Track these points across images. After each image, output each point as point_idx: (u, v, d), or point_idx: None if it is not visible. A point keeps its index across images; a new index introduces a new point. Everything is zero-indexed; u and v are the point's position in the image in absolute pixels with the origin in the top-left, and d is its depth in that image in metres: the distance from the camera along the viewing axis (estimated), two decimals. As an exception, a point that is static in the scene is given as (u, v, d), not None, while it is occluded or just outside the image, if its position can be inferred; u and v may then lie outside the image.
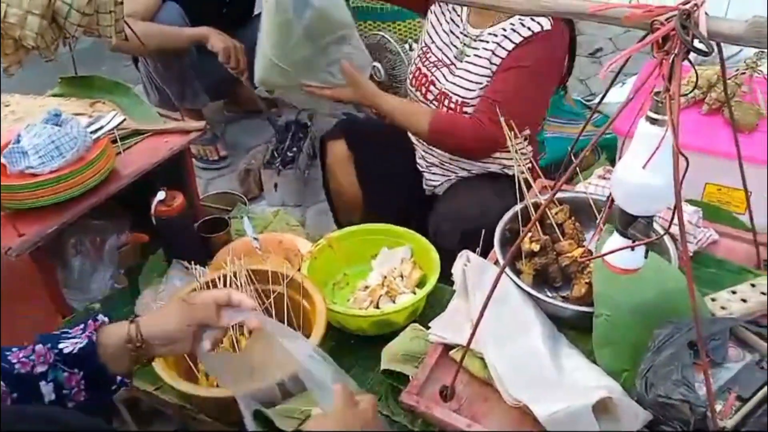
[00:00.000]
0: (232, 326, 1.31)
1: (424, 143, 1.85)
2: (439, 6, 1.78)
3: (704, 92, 2.02)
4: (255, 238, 1.70)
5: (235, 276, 1.48)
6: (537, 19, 1.58)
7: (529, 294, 1.11)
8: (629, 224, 0.90)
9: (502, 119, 1.46)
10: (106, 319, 0.99)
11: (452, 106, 1.72)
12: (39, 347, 0.92)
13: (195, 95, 2.54)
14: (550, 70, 1.64)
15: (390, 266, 1.68)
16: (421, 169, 1.93)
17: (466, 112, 1.69)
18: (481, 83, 1.66)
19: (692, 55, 0.76)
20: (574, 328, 1.11)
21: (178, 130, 1.74)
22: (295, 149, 2.54)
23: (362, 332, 1.57)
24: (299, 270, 1.54)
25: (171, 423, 1.47)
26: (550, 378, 0.99)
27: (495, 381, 1.01)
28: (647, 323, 1.01)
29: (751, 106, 1.91)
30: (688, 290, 1.07)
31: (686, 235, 1.20)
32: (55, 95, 1.86)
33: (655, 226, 1.02)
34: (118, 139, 1.66)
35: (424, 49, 1.80)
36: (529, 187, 1.27)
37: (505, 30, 1.62)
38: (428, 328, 1.12)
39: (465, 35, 1.71)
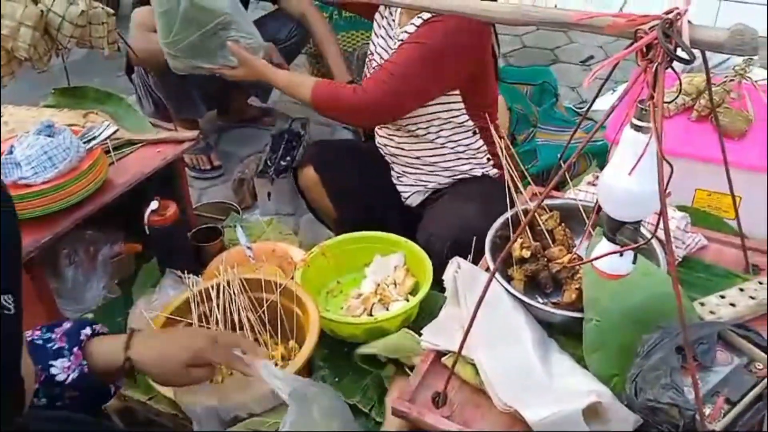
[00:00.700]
0: None
1: (392, 154, 1.89)
2: (379, 12, 1.81)
3: (694, 99, 2.04)
4: (248, 247, 1.71)
5: (228, 285, 1.49)
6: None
7: (519, 300, 1.12)
8: (617, 230, 0.91)
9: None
10: (89, 332, 0.97)
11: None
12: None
13: (194, 106, 2.55)
14: (446, 50, 1.62)
15: (383, 274, 1.69)
16: (393, 180, 1.95)
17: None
18: None
19: (681, 63, 0.77)
20: (565, 334, 1.12)
21: (171, 139, 1.75)
22: (288, 158, 2.54)
23: (355, 339, 1.57)
24: (292, 278, 1.55)
25: (166, 432, 1.47)
26: (540, 383, 1.00)
27: (486, 386, 1.01)
28: (637, 328, 1.02)
29: (740, 113, 1.93)
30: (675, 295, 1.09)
31: (675, 240, 1.21)
32: (48, 106, 1.87)
33: (643, 231, 1.03)
34: (111, 150, 1.66)
35: (369, 56, 1.84)
36: (519, 193, 1.28)
37: (414, 25, 1.67)
38: (420, 335, 1.13)
39: (395, 39, 1.74)
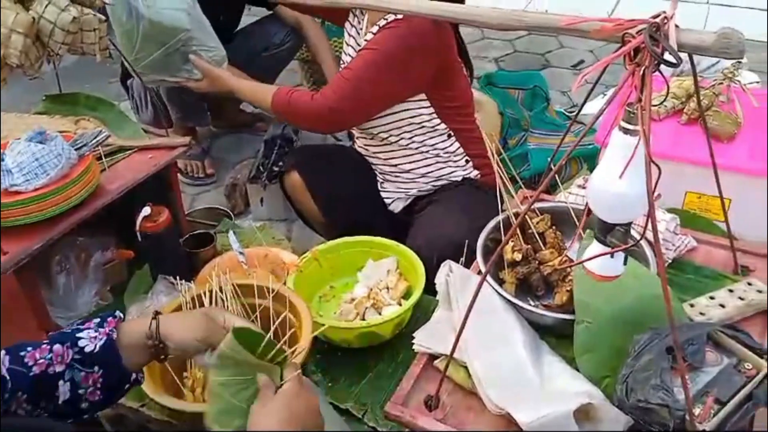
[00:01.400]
0: None
1: (374, 158, 1.90)
2: (348, 21, 1.83)
3: (683, 102, 2.05)
4: (241, 253, 1.71)
5: (220, 290, 1.49)
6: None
7: (511, 303, 1.13)
8: (607, 232, 0.92)
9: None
10: (121, 315, 1.01)
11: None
12: (57, 347, 0.93)
13: (201, 114, 2.56)
14: (399, 54, 1.63)
15: (376, 278, 1.69)
16: (378, 186, 1.96)
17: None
18: None
19: (668, 66, 0.78)
20: (556, 336, 1.13)
21: (163, 145, 1.75)
22: (281, 164, 2.54)
23: (348, 344, 1.57)
24: (284, 283, 1.55)
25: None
26: (532, 385, 1.00)
27: (478, 389, 1.02)
28: (627, 329, 1.03)
29: (729, 116, 1.95)
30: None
31: (664, 242, 1.22)
32: (39, 113, 1.86)
33: (633, 233, 1.04)
34: (103, 156, 1.66)
35: (341, 64, 1.85)
36: (491, 193, 1.29)
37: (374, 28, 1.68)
38: (413, 338, 1.13)
39: (360, 46, 1.75)
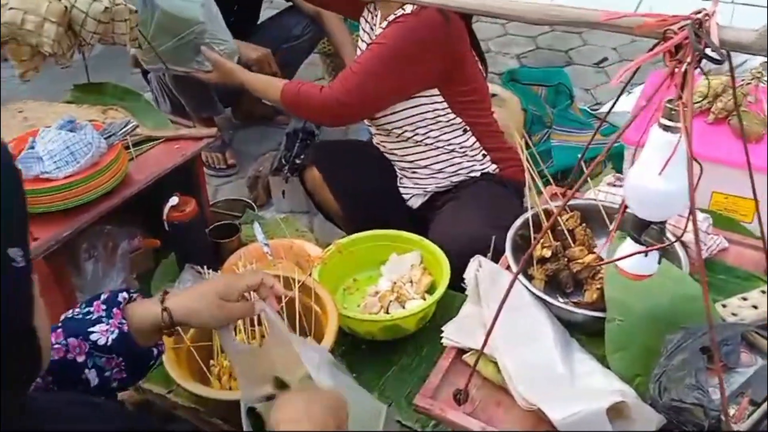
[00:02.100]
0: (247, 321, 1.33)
1: (391, 155, 1.90)
2: (363, 16, 1.83)
3: (710, 101, 2.04)
4: (266, 244, 1.72)
5: (247, 281, 1.50)
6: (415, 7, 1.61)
7: (541, 299, 1.12)
8: (642, 230, 0.91)
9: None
10: (126, 296, 1.00)
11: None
12: (72, 340, 0.93)
13: (212, 104, 2.57)
14: (407, 48, 1.63)
15: (399, 272, 1.69)
16: (398, 183, 1.96)
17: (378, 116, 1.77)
18: None
19: (712, 63, 0.77)
20: (586, 334, 1.12)
21: (190, 136, 1.76)
22: (303, 156, 2.55)
23: (372, 337, 1.58)
24: (310, 275, 1.56)
25: (184, 425, 1.48)
26: (563, 382, 1.00)
27: (508, 385, 1.02)
28: (659, 329, 1.02)
29: (757, 116, 1.93)
30: (699, 296, 1.08)
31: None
32: (67, 102, 1.88)
33: (668, 234, 1.03)
34: (131, 146, 1.68)
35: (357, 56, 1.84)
36: (540, 193, 1.28)
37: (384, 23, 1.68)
38: (441, 332, 1.13)
39: (373, 40, 1.75)
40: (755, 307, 1.11)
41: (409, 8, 1.63)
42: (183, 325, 1.01)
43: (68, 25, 1.48)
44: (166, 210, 1.59)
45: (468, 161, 1.83)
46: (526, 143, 1.37)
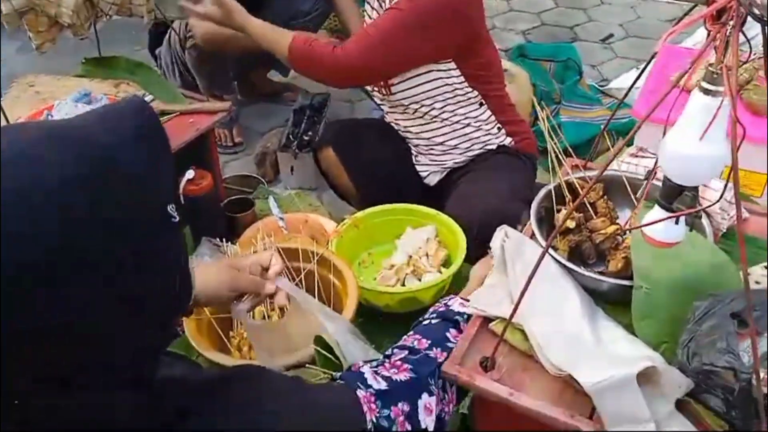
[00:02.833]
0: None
1: (406, 132, 1.88)
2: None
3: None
4: (281, 218, 1.72)
5: (265, 254, 1.50)
6: None
7: (566, 268, 1.13)
8: (675, 197, 0.91)
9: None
10: None
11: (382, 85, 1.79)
12: None
13: (227, 83, 2.56)
14: (430, 16, 1.62)
15: (415, 246, 1.70)
16: (413, 159, 1.95)
17: (392, 85, 1.75)
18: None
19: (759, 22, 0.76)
20: (610, 302, 1.13)
21: (203, 110, 1.75)
22: (311, 133, 2.54)
23: (389, 309, 1.59)
24: (328, 248, 1.56)
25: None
26: (590, 348, 1.01)
27: (536, 352, 1.02)
28: (685, 297, 1.03)
29: (769, 90, 1.93)
30: (725, 265, 1.10)
31: (720, 211, 1.22)
32: (79, 76, 1.86)
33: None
34: (145, 119, 1.66)
35: (363, 26, 1.83)
36: (561, 165, 1.28)
37: None
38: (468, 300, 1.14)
39: (385, 8, 1.72)
40: (779, 275, 1.11)
41: None
42: (197, 296, 1.01)
43: (85, -4, 1.46)
44: (182, 184, 1.59)
45: (484, 135, 1.82)
46: (546, 116, 1.36)
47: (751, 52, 1.76)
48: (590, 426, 0.94)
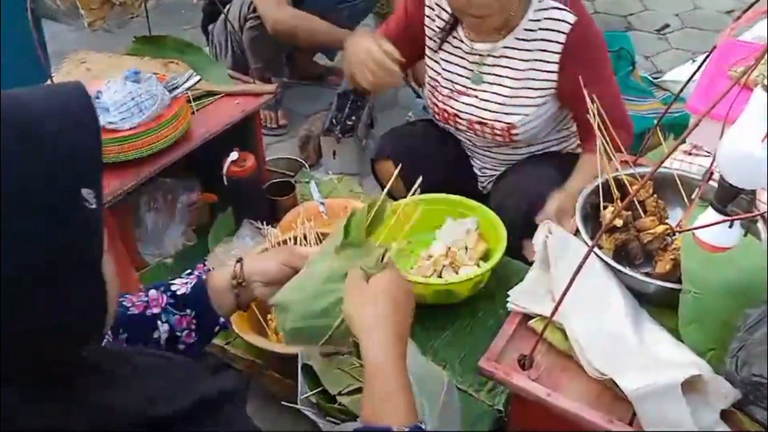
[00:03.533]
0: None
1: (484, 157, 1.82)
2: (430, 39, 1.69)
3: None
4: (322, 203, 1.72)
5: (305, 238, 1.50)
6: (552, 15, 1.52)
7: (611, 267, 1.10)
8: (730, 200, 0.87)
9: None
10: (210, 266, 1.04)
11: (498, 132, 1.67)
12: (152, 292, 0.96)
13: (280, 67, 2.56)
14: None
15: (454, 237, 1.68)
16: (475, 171, 1.89)
17: (515, 134, 1.65)
18: (527, 104, 1.62)
19: None
20: (656, 305, 1.10)
21: (249, 92, 1.76)
22: (354, 118, 2.52)
23: (424, 301, 1.57)
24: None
25: (238, 379, 1.51)
26: (634, 351, 0.98)
27: (577, 353, 1.00)
28: (737, 303, 0.99)
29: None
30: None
31: (779, 215, 1.16)
32: (129, 54, 1.89)
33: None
34: (191, 99, 1.68)
35: (432, 83, 1.72)
36: (609, 160, 1.24)
37: (524, 39, 1.56)
38: (508, 297, 1.12)
39: (472, 53, 1.63)
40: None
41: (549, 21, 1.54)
42: (253, 279, 1.01)
43: (137, -25, 1.47)
44: (226, 165, 1.60)
45: (563, 146, 1.78)
46: (597, 109, 1.32)
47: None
48: (630, 432, 0.92)
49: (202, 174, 1.79)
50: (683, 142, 1.16)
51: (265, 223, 1.58)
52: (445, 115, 1.73)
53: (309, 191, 1.81)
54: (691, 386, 0.91)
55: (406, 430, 0.77)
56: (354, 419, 1.06)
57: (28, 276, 0.56)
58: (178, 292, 0.98)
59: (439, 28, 1.65)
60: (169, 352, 0.95)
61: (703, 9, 3.38)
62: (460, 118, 1.70)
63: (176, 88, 1.58)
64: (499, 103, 1.63)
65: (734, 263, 1.01)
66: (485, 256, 1.66)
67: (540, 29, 1.54)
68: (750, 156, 0.78)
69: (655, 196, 1.23)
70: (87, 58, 1.84)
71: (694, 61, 2.69)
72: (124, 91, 1.48)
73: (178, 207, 1.67)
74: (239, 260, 1.02)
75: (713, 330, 0.99)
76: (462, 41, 1.64)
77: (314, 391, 1.14)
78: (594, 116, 1.30)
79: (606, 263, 1.10)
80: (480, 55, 1.62)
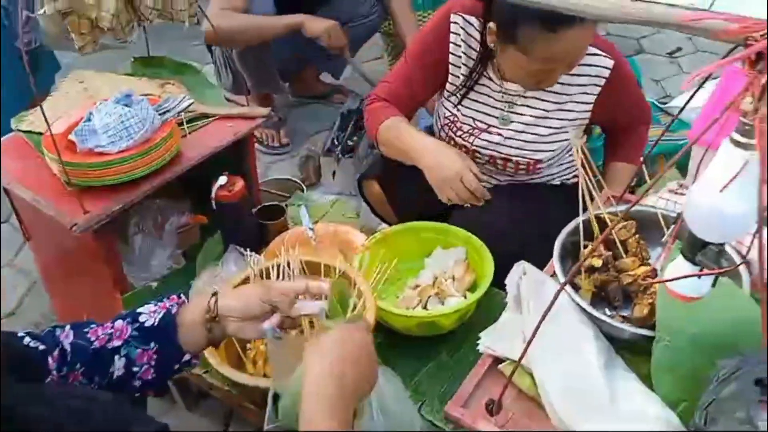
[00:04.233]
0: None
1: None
2: (453, 75, 1.64)
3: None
4: (311, 228, 1.71)
5: (288, 266, 1.49)
6: (591, 62, 1.50)
7: (587, 312, 1.07)
8: (698, 250, 0.85)
9: None
10: (185, 298, 1.03)
11: (522, 167, 1.66)
12: (118, 322, 0.96)
13: (273, 81, 2.57)
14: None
15: (442, 267, 1.66)
16: None
17: (539, 168, 1.65)
18: (555, 140, 1.60)
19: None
20: (632, 351, 1.07)
21: (243, 115, 1.76)
22: (355, 138, 2.52)
23: (408, 332, 1.55)
24: (351, 265, 1.54)
25: (218, 406, 1.50)
26: (602, 402, 0.95)
27: (543, 401, 0.97)
28: (712, 353, 0.95)
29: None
30: (758, 320, 1.01)
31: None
32: (127, 74, 1.90)
33: (728, 249, 0.96)
34: (185, 122, 1.69)
35: (451, 118, 1.68)
36: (592, 198, 1.22)
37: (561, 83, 1.52)
38: (479, 338, 1.09)
39: (502, 92, 1.59)
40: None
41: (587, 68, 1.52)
42: (227, 315, 1.00)
43: (128, 1, 1.48)
44: (214, 189, 1.60)
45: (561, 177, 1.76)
46: (582, 146, 1.29)
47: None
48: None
49: (193, 196, 1.79)
50: (659, 179, 1.12)
51: (250, 249, 1.57)
52: (463, 150, 1.68)
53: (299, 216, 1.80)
54: (658, 440, 0.88)
55: None
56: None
57: None
58: (146, 324, 0.97)
59: (467, 66, 1.59)
60: (119, 389, 0.94)
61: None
62: (480, 154, 1.67)
63: (168, 111, 1.58)
64: (528, 141, 1.60)
65: (708, 311, 0.98)
66: (473, 288, 1.63)
67: (578, 75, 1.51)
68: (712, 208, 0.76)
69: (637, 236, 1.21)
70: (84, 76, 1.85)
71: (703, 87, 2.64)
72: (114, 114, 1.49)
73: (166, 229, 1.67)
74: (214, 294, 1.01)
75: (685, 381, 0.96)
76: (491, 79, 1.59)
77: (279, 423, 1.12)
78: (577, 150, 1.27)
79: (580, 306, 1.07)
80: (510, 95, 1.58)
